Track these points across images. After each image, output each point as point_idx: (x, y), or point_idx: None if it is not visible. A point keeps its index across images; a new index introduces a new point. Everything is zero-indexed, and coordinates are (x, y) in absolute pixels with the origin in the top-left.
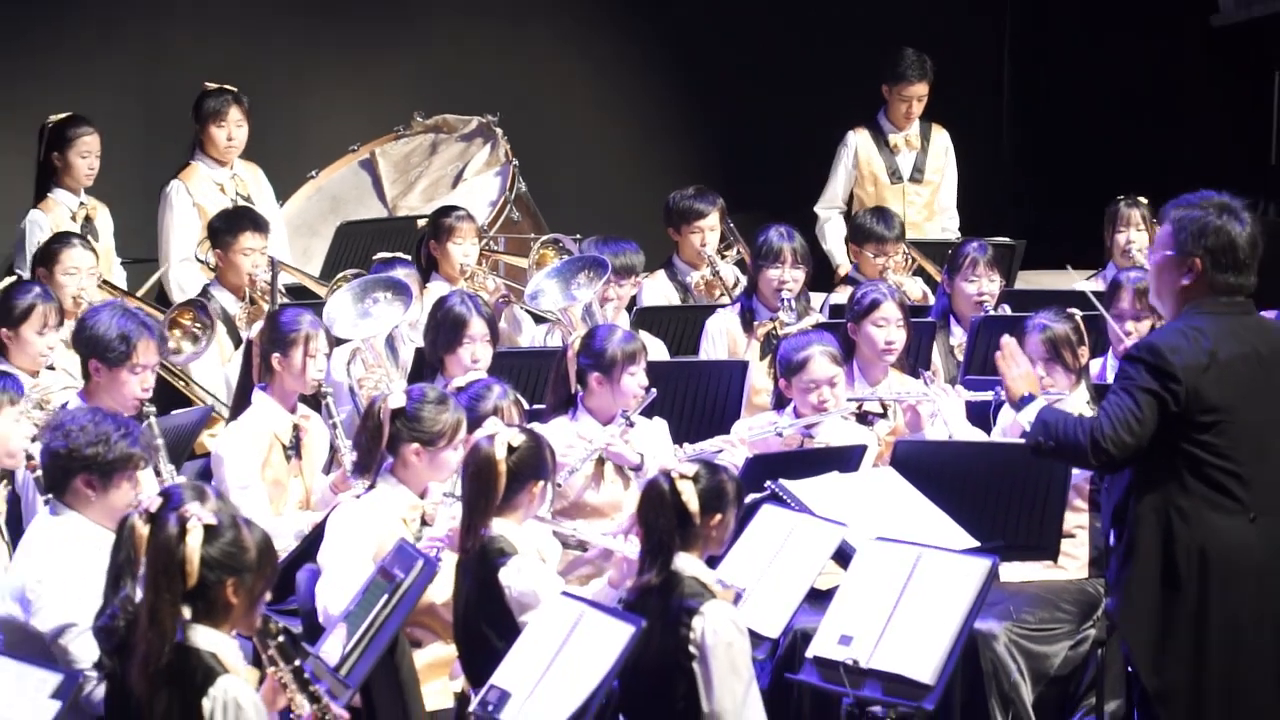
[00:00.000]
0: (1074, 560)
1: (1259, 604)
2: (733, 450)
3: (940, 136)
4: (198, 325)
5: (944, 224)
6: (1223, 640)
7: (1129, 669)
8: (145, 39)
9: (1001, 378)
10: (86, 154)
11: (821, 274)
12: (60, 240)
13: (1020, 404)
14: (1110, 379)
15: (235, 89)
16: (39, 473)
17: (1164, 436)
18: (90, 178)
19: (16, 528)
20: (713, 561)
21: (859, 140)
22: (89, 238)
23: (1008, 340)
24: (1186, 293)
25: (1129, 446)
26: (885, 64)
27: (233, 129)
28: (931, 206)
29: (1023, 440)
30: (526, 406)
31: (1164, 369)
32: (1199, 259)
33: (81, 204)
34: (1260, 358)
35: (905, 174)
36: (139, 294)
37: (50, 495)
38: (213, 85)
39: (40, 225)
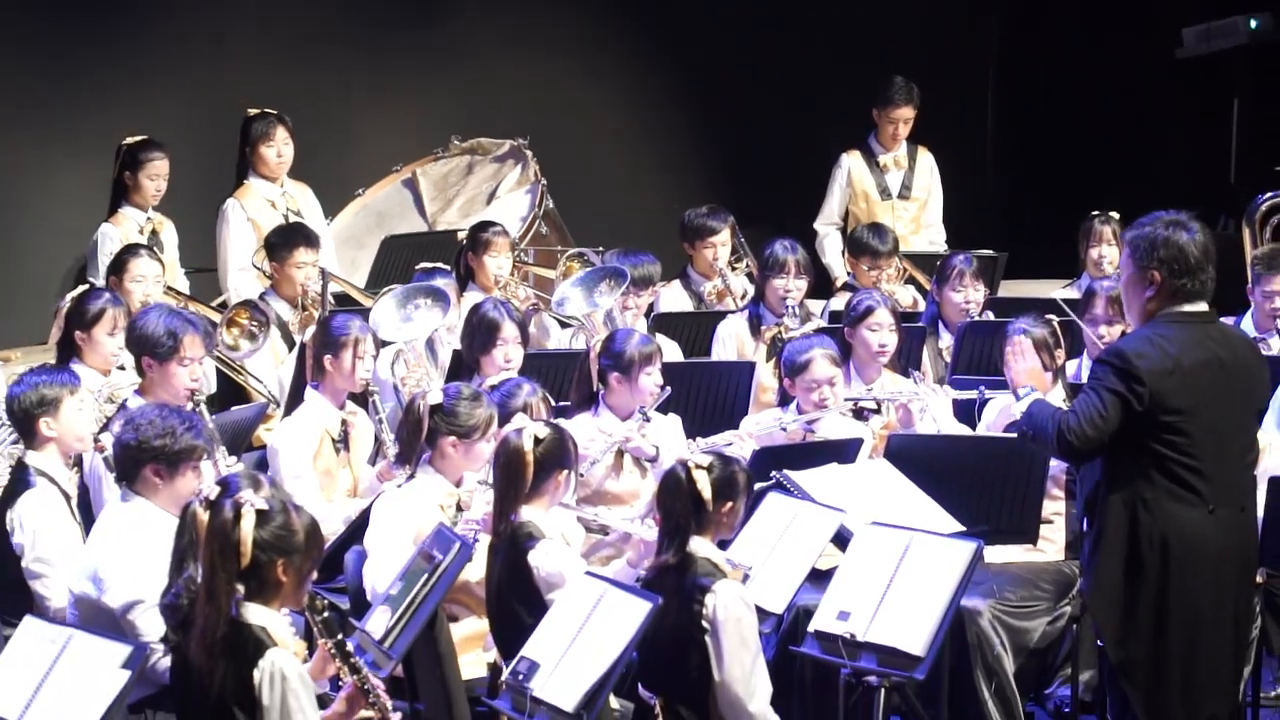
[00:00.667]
0: (1052, 544)
1: (1216, 588)
2: (741, 443)
3: (925, 157)
4: (254, 323)
5: (931, 238)
6: (1182, 619)
7: (1099, 643)
8: (207, 70)
9: (1008, 368)
10: (155, 176)
11: (821, 283)
12: (129, 251)
13: (1019, 394)
14: (1085, 379)
15: (277, 111)
16: (106, 453)
17: (1131, 434)
18: (157, 197)
19: (86, 515)
20: (724, 544)
21: (851, 161)
22: (155, 249)
23: (1021, 339)
24: (1152, 304)
25: (1091, 440)
26: (877, 90)
27: (281, 147)
28: (919, 221)
29: (1005, 434)
30: (553, 403)
31: (1130, 372)
32: (1156, 271)
33: (149, 219)
34: (1222, 363)
35: (894, 191)
36: (212, 305)
37: (122, 483)
38: (254, 110)
39: (111, 237)
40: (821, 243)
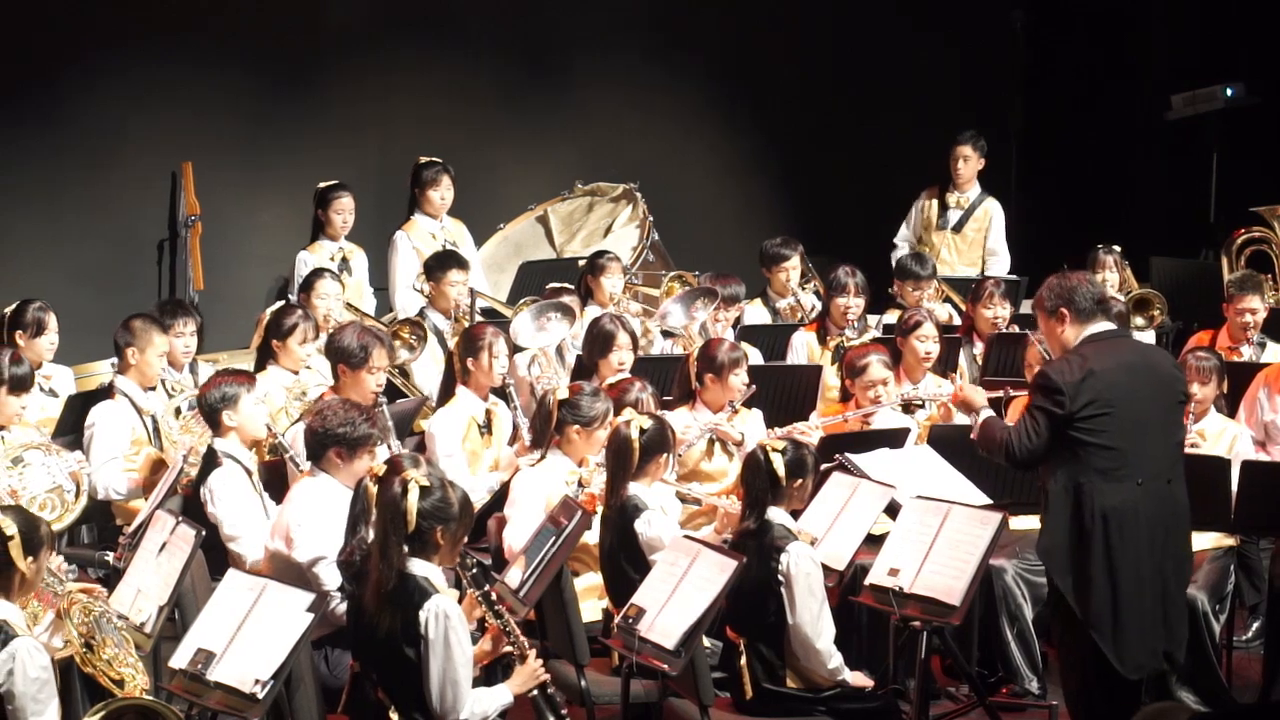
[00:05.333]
0: None
1: (1149, 547)
2: (810, 432)
3: (988, 204)
4: (413, 338)
5: (995, 265)
6: (1127, 576)
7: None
8: (379, 126)
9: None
10: (341, 211)
11: (877, 300)
12: (316, 274)
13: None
14: None
15: (442, 160)
16: (278, 440)
17: (1064, 432)
18: (345, 229)
19: (282, 486)
20: (795, 514)
21: (925, 198)
22: (343, 273)
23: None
24: (1067, 335)
25: (1031, 451)
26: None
27: (444, 191)
28: (968, 253)
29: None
30: (659, 398)
31: (1049, 386)
32: (1063, 309)
33: (340, 248)
34: (1132, 365)
35: (949, 226)
36: (382, 321)
37: (310, 462)
38: (425, 159)
39: (306, 263)
40: (892, 254)
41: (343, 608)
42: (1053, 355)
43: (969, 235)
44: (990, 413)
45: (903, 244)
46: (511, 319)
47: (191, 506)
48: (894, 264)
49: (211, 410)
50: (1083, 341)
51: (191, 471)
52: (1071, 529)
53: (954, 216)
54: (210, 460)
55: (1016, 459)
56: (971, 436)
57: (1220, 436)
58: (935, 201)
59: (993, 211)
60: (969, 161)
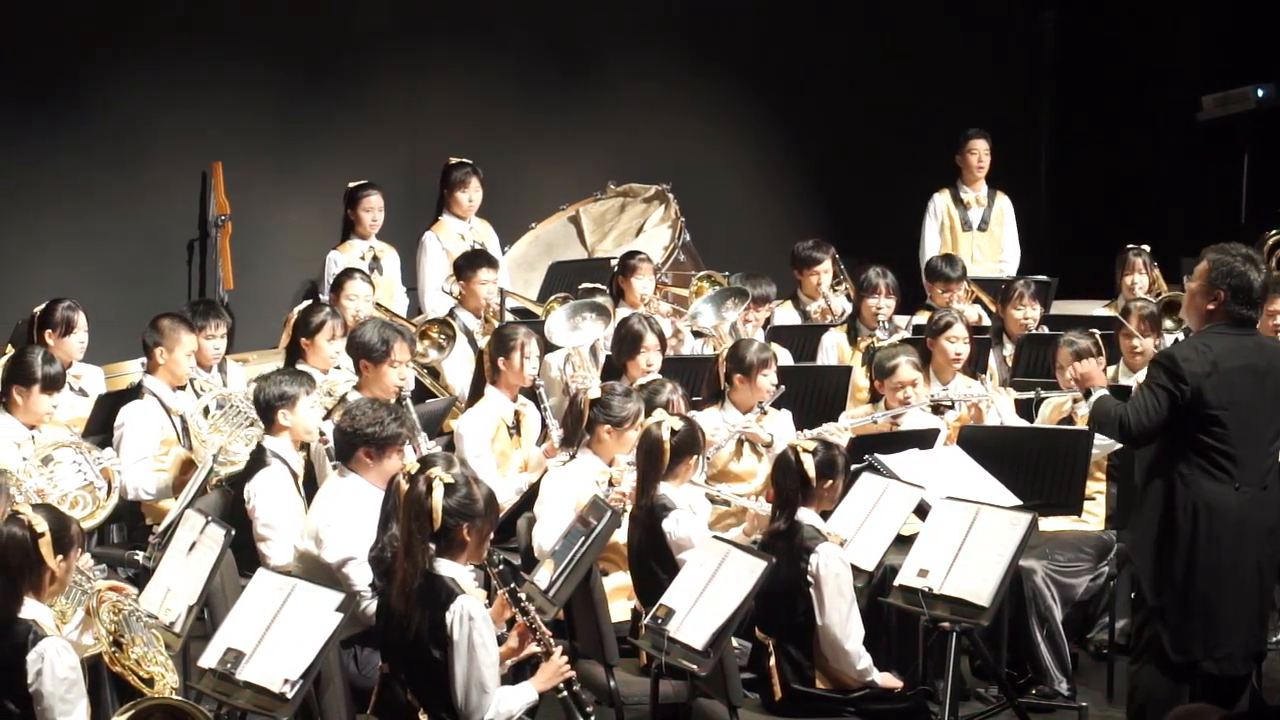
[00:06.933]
0: (1094, 516)
1: (1235, 550)
2: (840, 433)
3: (1002, 199)
4: (442, 337)
5: (1005, 264)
6: (1206, 574)
7: (1133, 594)
8: (407, 126)
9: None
10: (370, 209)
11: (907, 301)
12: (345, 274)
13: (1092, 391)
14: (1122, 381)
15: (471, 161)
16: (329, 445)
17: (1176, 422)
18: (374, 229)
19: (311, 486)
20: (825, 515)
21: (941, 199)
22: (374, 272)
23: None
24: (1209, 316)
25: (1146, 428)
26: (957, 141)
27: (472, 194)
28: (995, 252)
29: (1056, 427)
30: (689, 399)
31: (1176, 372)
32: (1223, 292)
33: (370, 248)
34: (1255, 369)
35: (974, 224)
36: (411, 321)
37: (339, 462)
38: (455, 159)
39: (336, 262)
40: (921, 256)
41: (373, 607)
42: (1187, 318)
43: (993, 232)
44: (1105, 391)
45: (932, 245)
46: (543, 318)
47: (233, 500)
48: (923, 265)
49: (268, 406)
50: (1215, 331)
51: (221, 471)
52: (1162, 519)
53: (976, 215)
54: (259, 458)
55: (1131, 433)
56: (1084, 410)
57: None
58: (951, 201)
59: (1006, 206)
60: (988, 155)
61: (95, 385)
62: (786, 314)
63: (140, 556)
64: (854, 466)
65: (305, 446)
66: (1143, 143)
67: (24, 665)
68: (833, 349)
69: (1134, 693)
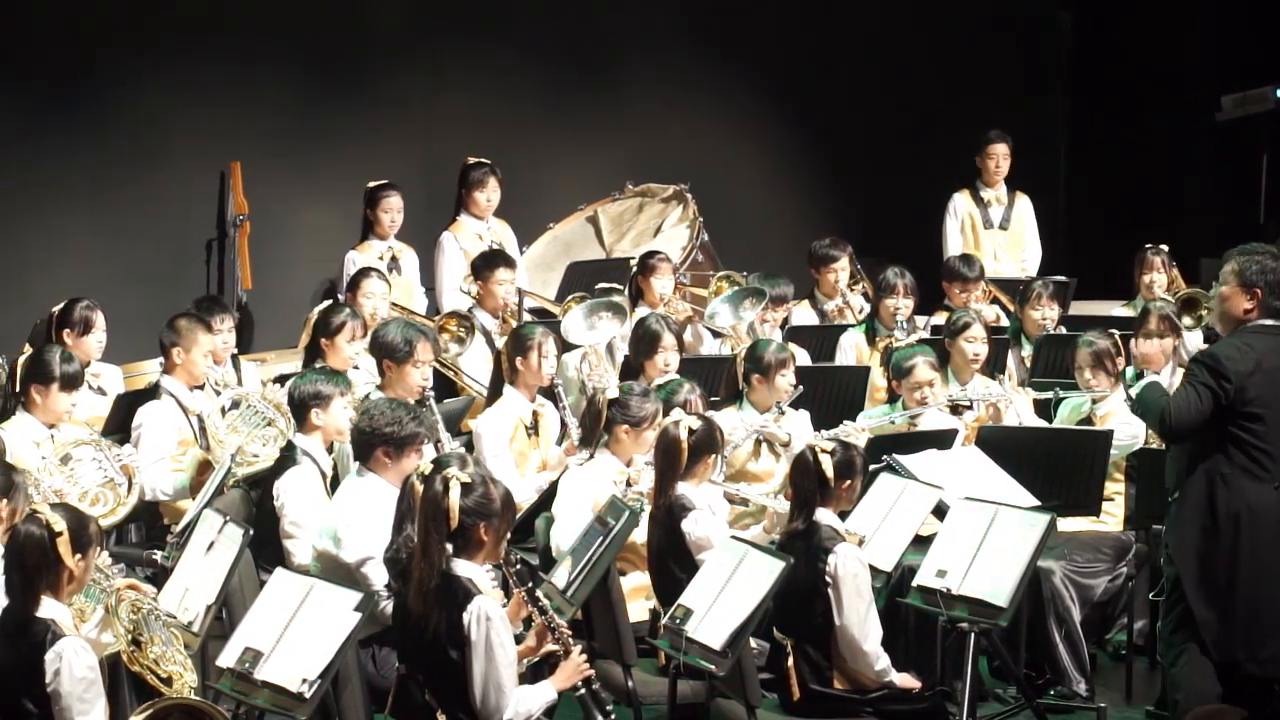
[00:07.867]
0: (1113, 517)
1: (1277, 551)
2: (859, 433)
3: (1020, 198)
4: (461, 329)
5: (1026, 264)
6: (1249, 576)
7: (1159, 594)
8: (426, 127)
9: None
10: (389, 210)
11: (925, 302)
12: (363, 274)
13: (1144, 373)
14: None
15: (490, 161)
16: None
17: (1217, 420)
18: (393, 229)
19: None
20: (844, 515)
21: (961, 199)
22: (393, 272)
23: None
24: (1247, 315)
25: (1185, 423)
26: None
27: (490, 193)
28: (1017, 251)
29: (1075, 428)
30: (707, 399)
31: (1219, 371)
32: (1260, 289)
33: (389, 248)
34: None
35: (995, 223)
36: (428, 318)
37: (357, 462)
38: (473, 159)
39: (354, 262)
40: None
41: (390, 607)
42: (1217, 318)
43: (1015, 231)
44: (1157, 377)
45: (954, 245)
46: (560, 317)
47: (258, 497)
48: (943, 267)
49: (302, 403)
50: (1253, 330)
51: (238, 471)
52: (1205, 519)
53: (997, 213)
54: (289, 456)
55: (1169, 425)
56: (1131, 393)
57: None
58: (971, 200)
59: (1026, 206)
60: (1007, 159)
61: (114, 384)
62: (804, 313)
63: (159, 556)
64: (872, 467)
65: (332, 447)
66: (1161, 143)
67: (42, 665)
68: (851, 349)
69: (1173, 692)
